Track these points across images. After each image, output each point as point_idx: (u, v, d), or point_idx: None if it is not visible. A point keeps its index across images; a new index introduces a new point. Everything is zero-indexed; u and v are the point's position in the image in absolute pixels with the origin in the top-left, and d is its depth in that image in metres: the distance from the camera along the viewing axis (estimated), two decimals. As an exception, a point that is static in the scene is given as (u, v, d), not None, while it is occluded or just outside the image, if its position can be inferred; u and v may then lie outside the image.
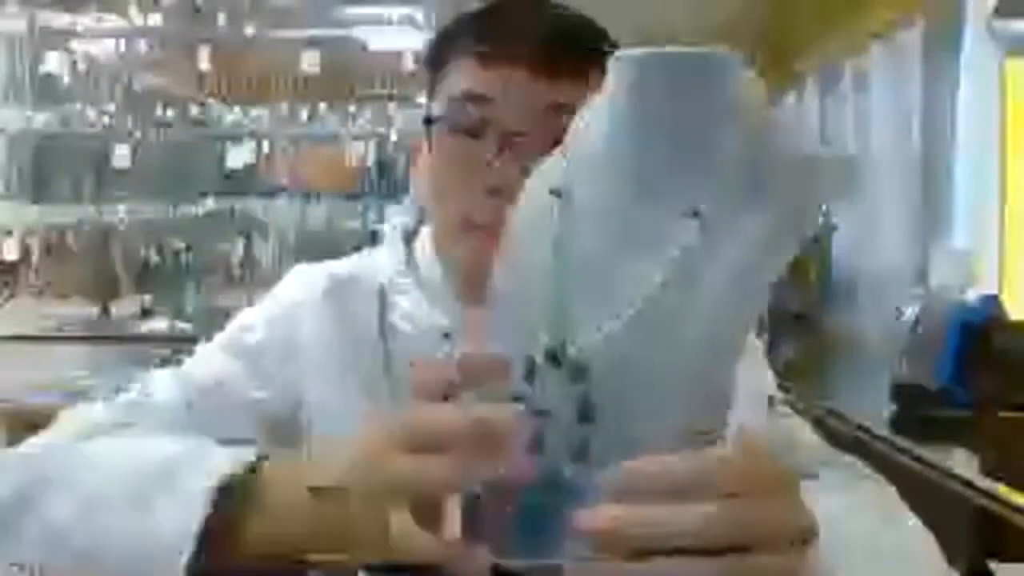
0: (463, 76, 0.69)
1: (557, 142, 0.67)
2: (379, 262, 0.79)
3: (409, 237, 0.79)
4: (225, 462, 0.54)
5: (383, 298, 0.76)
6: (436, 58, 0.73)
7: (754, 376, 0.79)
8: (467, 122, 0.69)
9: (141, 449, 0.61)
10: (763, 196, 0.39)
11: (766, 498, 0.39)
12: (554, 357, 0.39)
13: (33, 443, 0.65)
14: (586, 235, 0.42)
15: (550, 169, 0.46)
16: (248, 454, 0.55)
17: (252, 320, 0.78)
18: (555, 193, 0.43)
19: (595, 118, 0.45)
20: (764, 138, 0.40)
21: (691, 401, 0.39)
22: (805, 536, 0.40)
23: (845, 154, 0.46)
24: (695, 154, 0.40)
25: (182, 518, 0.52)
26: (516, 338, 0.41)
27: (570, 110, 0.67)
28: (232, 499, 0.53)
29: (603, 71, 0.69)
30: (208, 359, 0.76)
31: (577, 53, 0.68)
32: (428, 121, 0.72)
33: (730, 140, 0.40)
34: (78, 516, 0.56)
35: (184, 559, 0.51)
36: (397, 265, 0.77)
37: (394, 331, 0.75)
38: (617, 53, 0.43)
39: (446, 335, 0.72)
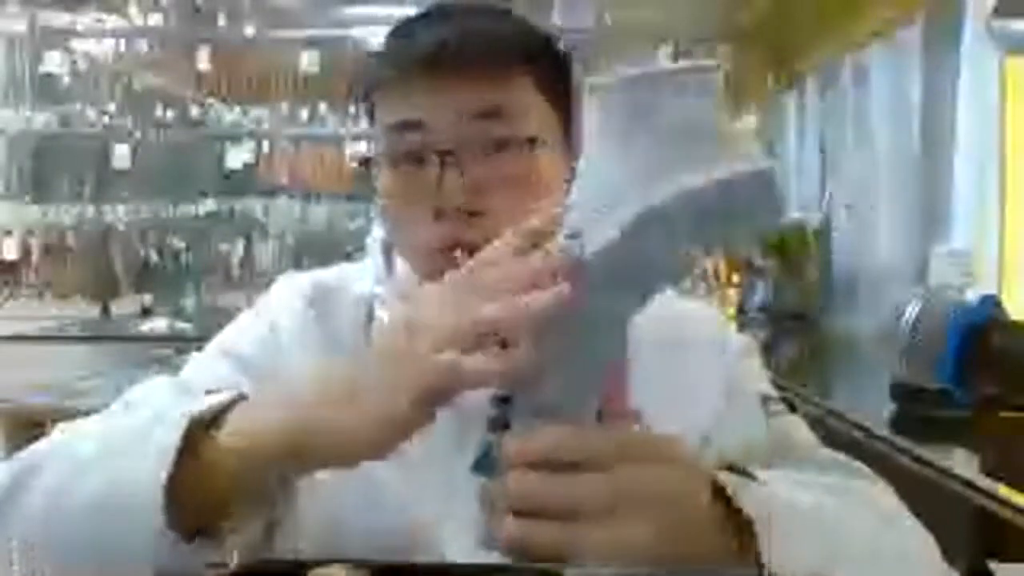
0: (391, 106, 0.70)
1: (497, 147, 0.68)
2: (363, 273, 0.80)
3: (388, 250, 0.79)
4: (202, 403, 0.55)
5: (367, 309, 0.77)
6: (367, 94, 0.73)
7: (748, 375, 0.79)
8: (405, 150, 0.69)
9: (118, 416, 0.63)
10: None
11: (596, 472, 0.46)
12: None
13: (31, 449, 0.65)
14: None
15: None
16: (226, 394, 0.56)
17: (245, 329, 0.79)
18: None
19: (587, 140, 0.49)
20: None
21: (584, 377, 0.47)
22: (645, 509, 0.46)
23: (760, 167, 0.42)
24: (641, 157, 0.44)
25: (160, 447, 0.52)
26: None
27: (499, 113, 0.68)
28: (208, 427, 0.54)
29: (530, 64, 0.70)
30: (204, 365, 0.77)
31: (488, 56, 0.68)
32: (365, 162, 0.73)
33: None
34: (61, 486, 0.55)
35: (164, 475, 0.51)
36: (378, 276, 0.78)
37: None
38: (588, 82, 0.48)
39: None
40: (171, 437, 0.52)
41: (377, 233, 0.81)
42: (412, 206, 0.69)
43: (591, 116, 0.47)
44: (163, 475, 0.50)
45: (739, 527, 0.48)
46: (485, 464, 0.48)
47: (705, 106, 0.43)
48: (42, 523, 0.55)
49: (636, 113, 0.44)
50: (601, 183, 0.45)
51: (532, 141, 0.68)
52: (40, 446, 0.64)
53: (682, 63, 0.45)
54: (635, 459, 0.47)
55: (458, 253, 0.68)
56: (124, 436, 0.56)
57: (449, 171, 0.67)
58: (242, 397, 0.56)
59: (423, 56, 0.67)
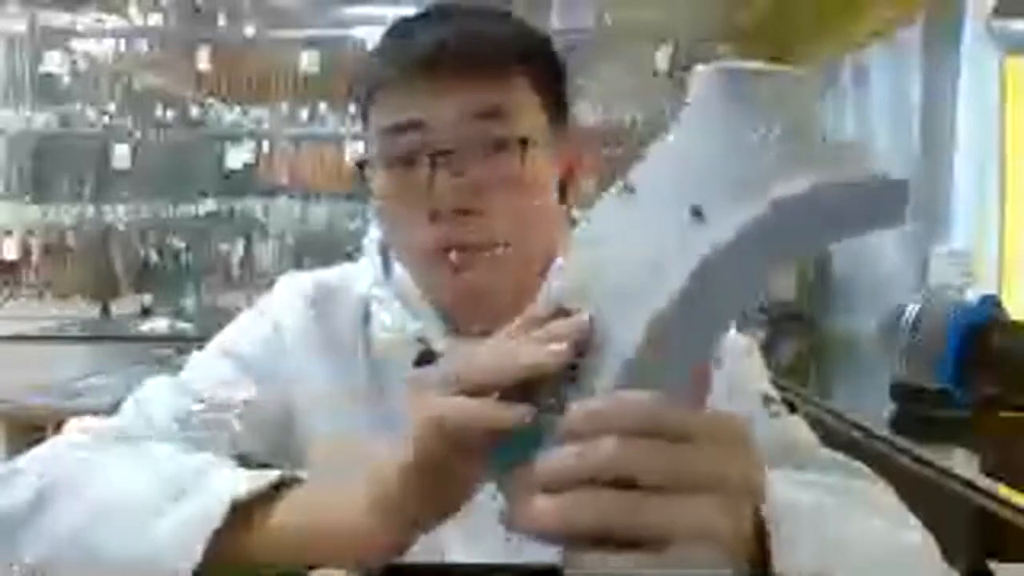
0: (390, 107, 0.70)
1: (495, 148, 0.67)
2: (362, 273, 0.80)
3: (385, 250, 0.80)
4: (242, 481, 0.55)
5: (364, 308, 0.77)
6: (369, 94, 0.72)
7: (749, 374, 0.79)
8: (400, 151, 0.69)
9: (154, 460, 0.62)
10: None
11: (688, 444, 0.40)
12: None
13: (37, 454, 0.65)
14: (633, 226, 0.45)
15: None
16: (266, 475, 0.56)
17: (246, 329, 0.79)
18: (628, 188, 0.47)
19: (672, 125, 0.47)
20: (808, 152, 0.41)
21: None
22: (734, 489, 0.41)
23: (891, 178, 0.41)
24: (727, 155, 0.42)
25: (189, 532, 0.52)
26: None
27: (497, 113, 0.67)
28: (243, 516, 0.54)
29: (527, 65, 0.70)
30: (205, 365, 0.77)
31: (489, 56, 0.68)
32: (361, 165, 0.72)
33: (776, 152, 0.41)
34: (87, 522, 0.56)
35: (189, 567, 0.51)
36: (376, 276, 0.78)
37: (375, 340, 0.76)
38: (696, 68, 0.46)
39: (420, 339, 0.73)
40: (202, 530, 0.52)
41: (374, 234, 0.81)
42: (407, 208, 0.70)
43: (693, 103, 0.45)
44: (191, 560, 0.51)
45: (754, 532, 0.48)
46: (523, 442, 0.43)
47: (815, 110, 0.42)
48: (55, 556, 0.56)
49: (747, 108, 0.42)
50: (703, 176, 0.43)
51: (527, 141, 0.69)
52: (47, 452, 0.64)
53: (773, 66, 0.43)
54: (733, 443, 0.43)
55: (453, 254, 0.68)
56: (149, 493, 0.56)
57: (441, 172, 0.67)
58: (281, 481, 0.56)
59: (425, 56, 0.67)
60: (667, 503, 0.39)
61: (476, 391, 0.44)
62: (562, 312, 0.45)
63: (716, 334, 0.43)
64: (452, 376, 0.45)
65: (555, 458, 0.41)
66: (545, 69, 0.73)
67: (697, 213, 0.41)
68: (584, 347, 0.43)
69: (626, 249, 0.44)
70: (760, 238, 0.40)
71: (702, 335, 0.42)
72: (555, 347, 0.42)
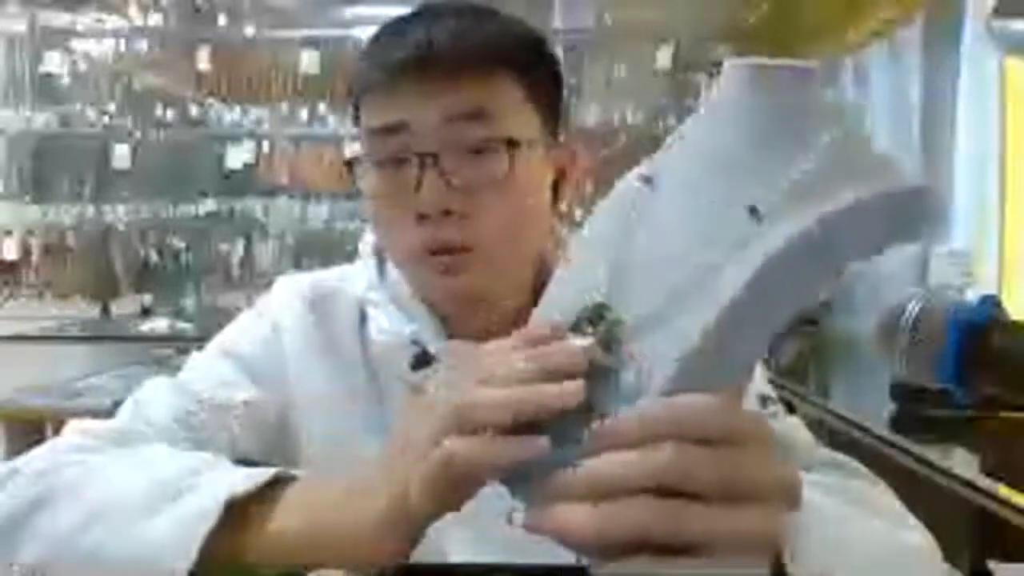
0: (376, 108, 0.69)
1: (480, 149, 0.67)
2: (358, 275, 0.80)
3: (380, 252, 0.79)
4: (237, 479, 0.55)
5: (360, 310, 0.77)
6: (357, 97, 0.72)
7: None
8: (387, 152, 0.69)
9: (152, 461, 0.62)
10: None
11: (738, 450, 0.40)
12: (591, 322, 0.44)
13: (36, 455, 0.65)
14: (663, 220, 0.44)
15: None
16: (261, 474, 0.56)
17: (246, 330, 0.79)
18: (644, 180, 0.46)
19: (696, 118, 0.47)
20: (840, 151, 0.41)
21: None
22: (778, 494, 0.41)
23: (917, 185, 0.40)
24: (775, 155, 0.42)
25: (185, 531, 0.52)
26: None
27: (482, 114, 0.67)
28: (240, 514, 0.53)
29: (515, 64, 0.69)
30: (205, 366, 0.77)
31: (474, 57, 0.67)
32: (349, 164, 0.72)
33: (808, 147, 0.41)
34: (85, 523, 0.56)
35: (185, 566, 0.51)
36: (371, 279, 0.78)
37: (371, 342, 0.76)
38: (725, 63, 0.45)
39: (414, 342, 0.73)
40: (196, 529, 0.52)
41: (369, 237, 0.81)
42: (396, 209, 0.69)
43: (721, 98, 0.45)
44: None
45: None
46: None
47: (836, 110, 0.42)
48: (54, 556, 0.56)
49: (782, 105, 0.42)
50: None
51: (515, 142, 0.68)
52: (47, 453, 0.64)
53: (799, 61, 0.43)
54: (774, 448, 0.42)
55: (445, 258, 0.68)
56: (147, 494, 0.56)
57: (428, 174, 0.66)
58: (278, 478, 0.56)
59: (410, 58, 0.67)
60: (713, 510, 0.39)
61: (485, 426, 0.43)
62: (578, 322, 0.44)
63: (765, 338, 0.42)
64: (459, 408, 0.44)
65: (602, 465, 0.39)
66: (536, 69, 0.72)
67: (754, 211, 0.40)
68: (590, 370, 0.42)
69: (650, 247, 0.43)
70: (806, 251, 0.40)
71: (751, 340, 0.41)
72: (571, 387, 0.42)
